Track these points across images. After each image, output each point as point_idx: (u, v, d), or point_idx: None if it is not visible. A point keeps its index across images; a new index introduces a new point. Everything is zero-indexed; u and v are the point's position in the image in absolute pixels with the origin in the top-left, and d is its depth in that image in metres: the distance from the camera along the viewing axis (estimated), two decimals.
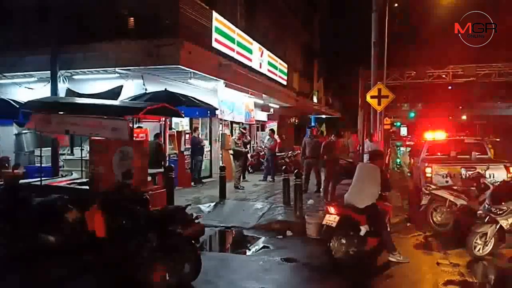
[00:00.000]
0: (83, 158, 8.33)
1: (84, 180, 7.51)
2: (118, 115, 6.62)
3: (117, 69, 10.32)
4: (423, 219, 7.98)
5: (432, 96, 45.88)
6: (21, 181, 7.48)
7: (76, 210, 5.69)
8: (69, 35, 9.80)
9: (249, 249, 6.99)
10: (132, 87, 10.64)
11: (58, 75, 10.05)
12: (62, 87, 10.44)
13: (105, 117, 6.64)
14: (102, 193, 5.55)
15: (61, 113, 7.08)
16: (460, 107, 47.23)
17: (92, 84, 10.93)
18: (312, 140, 11.09)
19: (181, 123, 12.79)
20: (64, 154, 10.97)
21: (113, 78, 10.67)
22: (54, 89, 9.88)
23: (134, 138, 7.09)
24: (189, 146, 12.06)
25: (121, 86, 10.40)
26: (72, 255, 5.39)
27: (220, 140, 13.71)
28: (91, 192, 6.32)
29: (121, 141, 6.53)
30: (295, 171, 9.13)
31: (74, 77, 10.92)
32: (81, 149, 8.69)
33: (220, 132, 14.02)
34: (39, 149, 9.31)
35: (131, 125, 6.69)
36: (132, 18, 10.14)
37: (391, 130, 33.37)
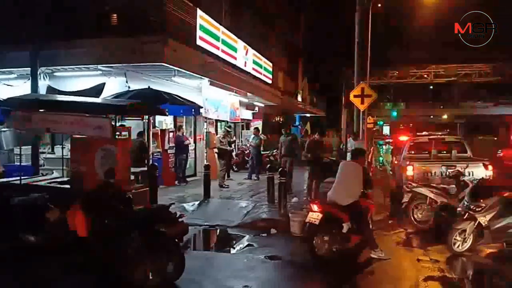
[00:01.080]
0: (64, 156, 8.20)
1: (65, 179, 7.41)
2: (100, 113, 6.54)
3: (99, 66, 10.15)
4: (405, 217, 8.12)
5: (415, 96, 46.65)
6: (0, 180, 7.33)
7: (57, 209, 5.62)
8: (51, 31, 9.59)
9: (234, 248, 6.99)
10: (114, 85, 10.49)
11: (38, 72, 9.84)
12: (42, 84, 10.22)
13: (87, 115, 6.55)
14: (84, 192, 5.48)
15: (42, 110, 6.96)
16: (441, 107, 48.08)
17: (73, 81, 10.73)
18: (286, 139, 11.21)
19: (165, 121, 12.68)
20: (44, 153, 10.77)
21: (95, 75, 10.49)
22: (34, 86, 9.67)
23: (116, 137, 7.00)
24: (173, 145, 11.99)
25: (104, 84, 10.25)
26: (55, 255, 5.31)
27: (204, 139, 13.66)
28: (73, 191, 6.25)
29: (103, 139, 6.46)
30: (280, 170, 9.18)
31: (55, 74, 10.70)
32: (62, 148, 8.55)
33: (205, 130, 13.97)
34: (18, 147, 9.12)
35: (113, 123, 6.61)
36: (115, 15, 9.99)
37: (374, 129, 33.77)
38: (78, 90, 10.09)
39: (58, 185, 6.96)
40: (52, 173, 8.44)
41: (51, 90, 10.38)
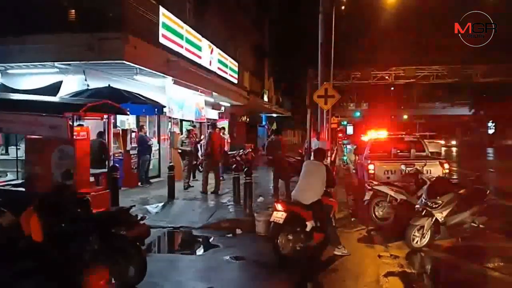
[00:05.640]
0: (18, 158, 7.84)
1: (20, 181, 7.10)
2: (56, 112, 6.29)
3: (56, 64, 9.73)
4: (366, 214, 8.32)
5: (377, 96, 48.22)
6: None
7: (10, 213, 5.34)
8: (3, 26, 9.11)
9: (198, 249, 6.90)
10: (73, 83, 10.11)
11: None
12: None
13: (42, 114, 6.29)
14: (39, 194, 5.23)
15: None
16: (402, 107, 49.95)
17: (28, 79, 10.24)
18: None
19: (128, 121, 12.35)
20: None
21: (52, 73, 10.05)
22: None
23: (74, 137, 6.74)
24: (136, 145, 11.69)
25: (61, 82, 9.84)
26: (8, 261, 5.03)
27: (169, 139, 13.42)
28: (27, 194, 5.98)
29: (60, 140, 6.22)
30: (245, 169, 9.16)
31: (8, 71, 10.17)
32: (17, 149, 8.19)
33: (170, 130, 13.73)
34: None
35: (71, 123, 6.37)
36: (73, 10, 9.61)
37: (338, 129, 34.57)
38: (33, 88, 9.64)
39: (12, 188, 6.64)
40: (6, 175, 8.06)
41: (4, 88, 9.84)
